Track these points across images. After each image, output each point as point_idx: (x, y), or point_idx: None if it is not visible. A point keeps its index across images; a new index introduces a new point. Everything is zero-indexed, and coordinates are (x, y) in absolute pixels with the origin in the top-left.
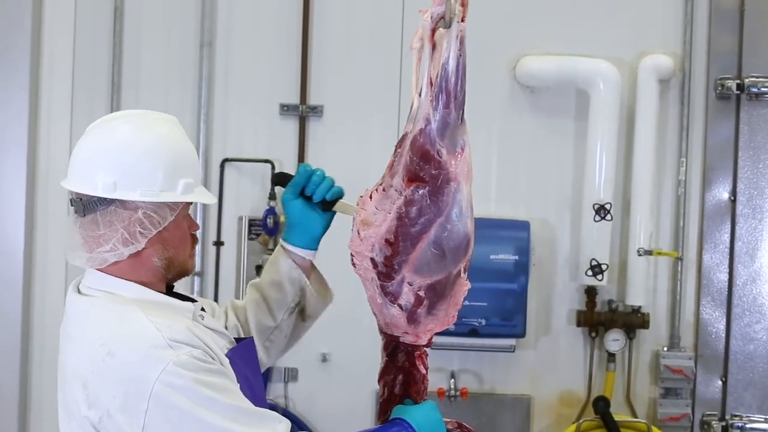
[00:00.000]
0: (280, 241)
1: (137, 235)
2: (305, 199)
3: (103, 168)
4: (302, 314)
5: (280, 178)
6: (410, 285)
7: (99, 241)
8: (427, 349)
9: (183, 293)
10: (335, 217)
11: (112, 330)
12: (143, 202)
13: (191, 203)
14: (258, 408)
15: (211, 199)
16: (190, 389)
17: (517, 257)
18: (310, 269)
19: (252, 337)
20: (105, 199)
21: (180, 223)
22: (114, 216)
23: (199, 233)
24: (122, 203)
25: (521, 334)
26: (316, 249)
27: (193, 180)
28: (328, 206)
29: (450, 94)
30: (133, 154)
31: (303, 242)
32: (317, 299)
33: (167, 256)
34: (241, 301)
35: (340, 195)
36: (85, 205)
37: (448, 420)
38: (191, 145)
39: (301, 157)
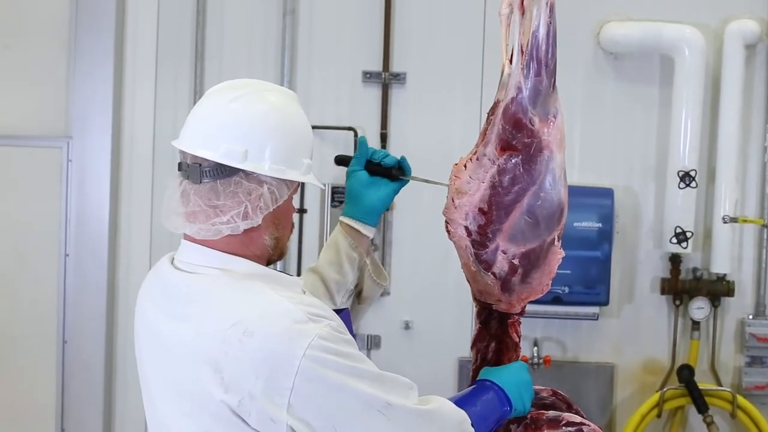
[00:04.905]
0: (340, 218)
1: (257, 210)
2: (369, 173)
3: (233, 136)
4: (358, 297)
5: (342, 159)
6: (504, 253)
7: (216, 211)
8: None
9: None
10: (421, 188)
11: (244, 308)
12: (268, 176)
13: (299, 186)
14: (390, 373)
15: (321, 184)
16: (336, 361)
17: (600, 225)
18: (368, 251)
19: (348, 309)
20: (228, 167)
21: (289, 204)
22: (238, 187)
23: None
24: (246, 175)
25: (605, 302)
26: (374, 225)
27: (311, 161)
28: (395, 175)
29: (541, 61)
30: (267, 126)
31: (361, 214)
32: (373, 281)
33: (276, 235)
34: None
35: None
36: (203, 172)
37: (543, 388)
38: (310, 126)
39: (384, 125)
